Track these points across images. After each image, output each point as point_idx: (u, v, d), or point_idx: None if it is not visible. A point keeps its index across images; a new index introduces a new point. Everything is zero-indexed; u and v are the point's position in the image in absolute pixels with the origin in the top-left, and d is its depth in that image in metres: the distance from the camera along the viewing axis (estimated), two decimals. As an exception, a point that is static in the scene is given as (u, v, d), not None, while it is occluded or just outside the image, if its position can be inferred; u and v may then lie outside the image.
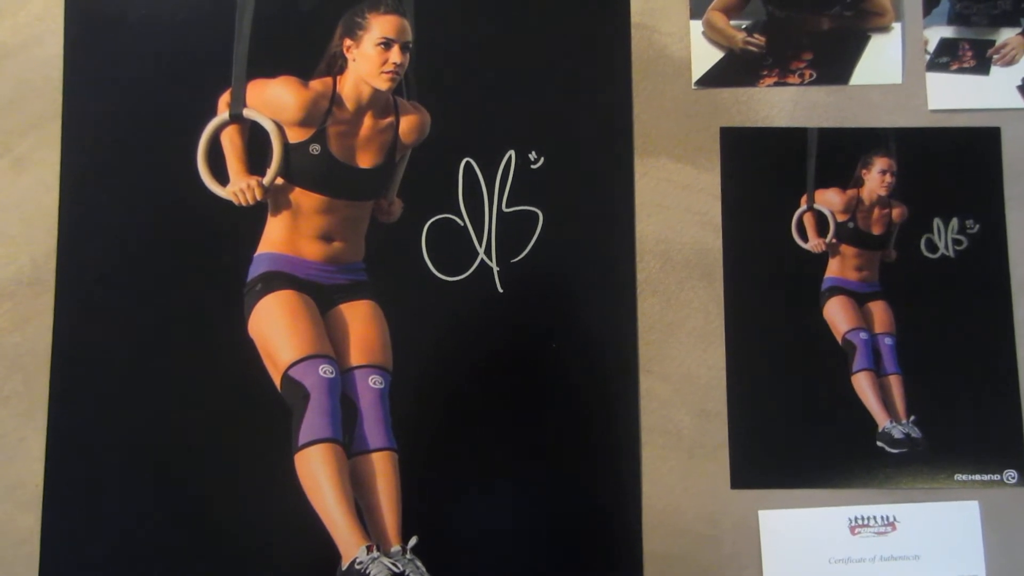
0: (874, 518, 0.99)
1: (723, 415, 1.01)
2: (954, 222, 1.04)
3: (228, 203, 1.00)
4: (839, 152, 1.05)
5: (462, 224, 1.02)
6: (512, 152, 1.02)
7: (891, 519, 0.99)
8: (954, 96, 1.05)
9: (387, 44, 1.00)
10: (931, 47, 1.07)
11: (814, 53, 1.06)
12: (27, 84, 1.03)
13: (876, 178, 1.06)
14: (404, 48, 1.01)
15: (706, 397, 1.01)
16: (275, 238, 1.00)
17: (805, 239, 1.05)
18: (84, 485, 0.97)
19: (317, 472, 0.95)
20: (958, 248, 1.03)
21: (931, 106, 1.06)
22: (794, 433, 1.00)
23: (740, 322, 1.02)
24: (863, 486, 1.00)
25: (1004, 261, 1.03)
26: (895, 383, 1.03)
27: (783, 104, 1.05)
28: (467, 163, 1.02)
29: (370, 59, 1.00)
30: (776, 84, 1.05)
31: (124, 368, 0.99)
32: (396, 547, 0.94)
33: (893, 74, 1.06)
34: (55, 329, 0.99)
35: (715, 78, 1.05)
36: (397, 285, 1.01)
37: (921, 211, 1.05)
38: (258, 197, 0.99)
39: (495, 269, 1.01)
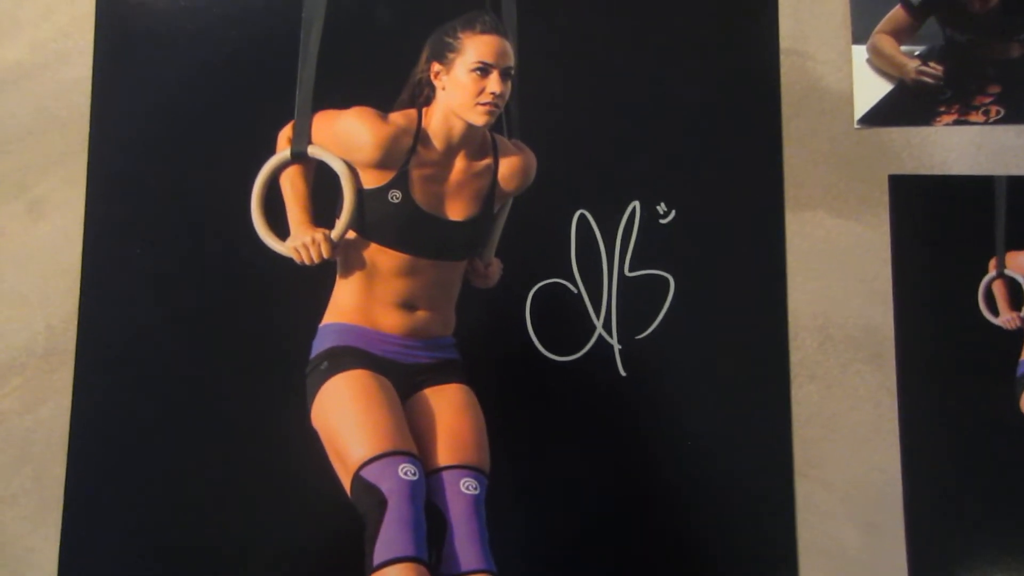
0: (1090, 659, 0.91)
1: (899, 530, 0.93)
2: None
3: (288, 261, 0.93)
4: (1034, 206, 0.98)
5: (575, 291, 0.95)
6: (636, 204, 0.96)
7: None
8: None
9: (484, 70, 0.92)
10: None
11: (1002, 86, 0.99)
12: (48, 112, 0.98)
13: (1080, 239, 0.99)
14: (504, 75, 0.93)
15: (877, 508, 0.94)
16: (345, 305, 0.93)
17: (995, 313, 0.97)
18: (104, 608, 0.91)
19: (397, 601, 0.87)
20: None
21: None
22: (989, 554, 0.92)
23: (918, 415, 0.94)
24: (1076, 620, 0.92)
25: None
26: (1110, 492, 0.95)
27: (965, 147, 0.99)
28: (581, 216, 0.96)
29: (464, 88, 0.93)
30: (956, 123, 0.99)
31: (156, 464, 0.92)
32: None
33: (1097, 112, 1.00)
34: (73, 412, 0.93)
35: (882, 115, 0.99)
36: (495, 366, 0.94)
37: None
38: (325, 255, 0.92)
39: (616, 347, 0.94)
